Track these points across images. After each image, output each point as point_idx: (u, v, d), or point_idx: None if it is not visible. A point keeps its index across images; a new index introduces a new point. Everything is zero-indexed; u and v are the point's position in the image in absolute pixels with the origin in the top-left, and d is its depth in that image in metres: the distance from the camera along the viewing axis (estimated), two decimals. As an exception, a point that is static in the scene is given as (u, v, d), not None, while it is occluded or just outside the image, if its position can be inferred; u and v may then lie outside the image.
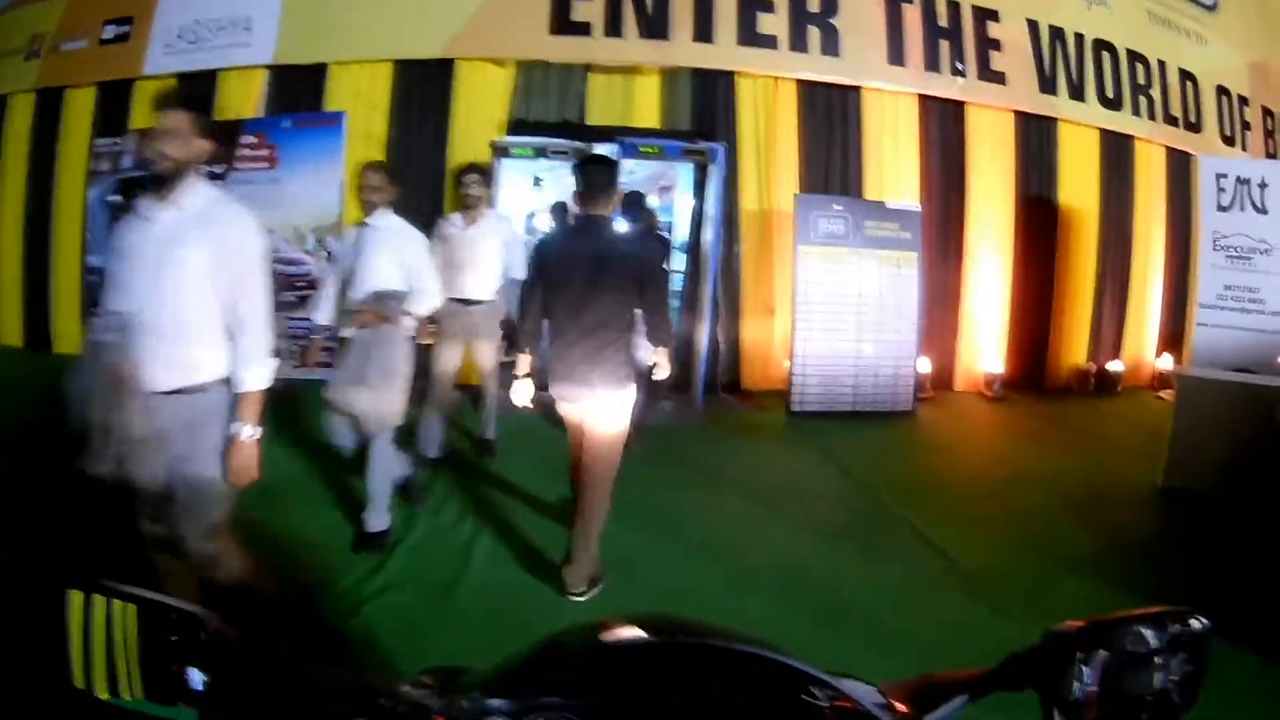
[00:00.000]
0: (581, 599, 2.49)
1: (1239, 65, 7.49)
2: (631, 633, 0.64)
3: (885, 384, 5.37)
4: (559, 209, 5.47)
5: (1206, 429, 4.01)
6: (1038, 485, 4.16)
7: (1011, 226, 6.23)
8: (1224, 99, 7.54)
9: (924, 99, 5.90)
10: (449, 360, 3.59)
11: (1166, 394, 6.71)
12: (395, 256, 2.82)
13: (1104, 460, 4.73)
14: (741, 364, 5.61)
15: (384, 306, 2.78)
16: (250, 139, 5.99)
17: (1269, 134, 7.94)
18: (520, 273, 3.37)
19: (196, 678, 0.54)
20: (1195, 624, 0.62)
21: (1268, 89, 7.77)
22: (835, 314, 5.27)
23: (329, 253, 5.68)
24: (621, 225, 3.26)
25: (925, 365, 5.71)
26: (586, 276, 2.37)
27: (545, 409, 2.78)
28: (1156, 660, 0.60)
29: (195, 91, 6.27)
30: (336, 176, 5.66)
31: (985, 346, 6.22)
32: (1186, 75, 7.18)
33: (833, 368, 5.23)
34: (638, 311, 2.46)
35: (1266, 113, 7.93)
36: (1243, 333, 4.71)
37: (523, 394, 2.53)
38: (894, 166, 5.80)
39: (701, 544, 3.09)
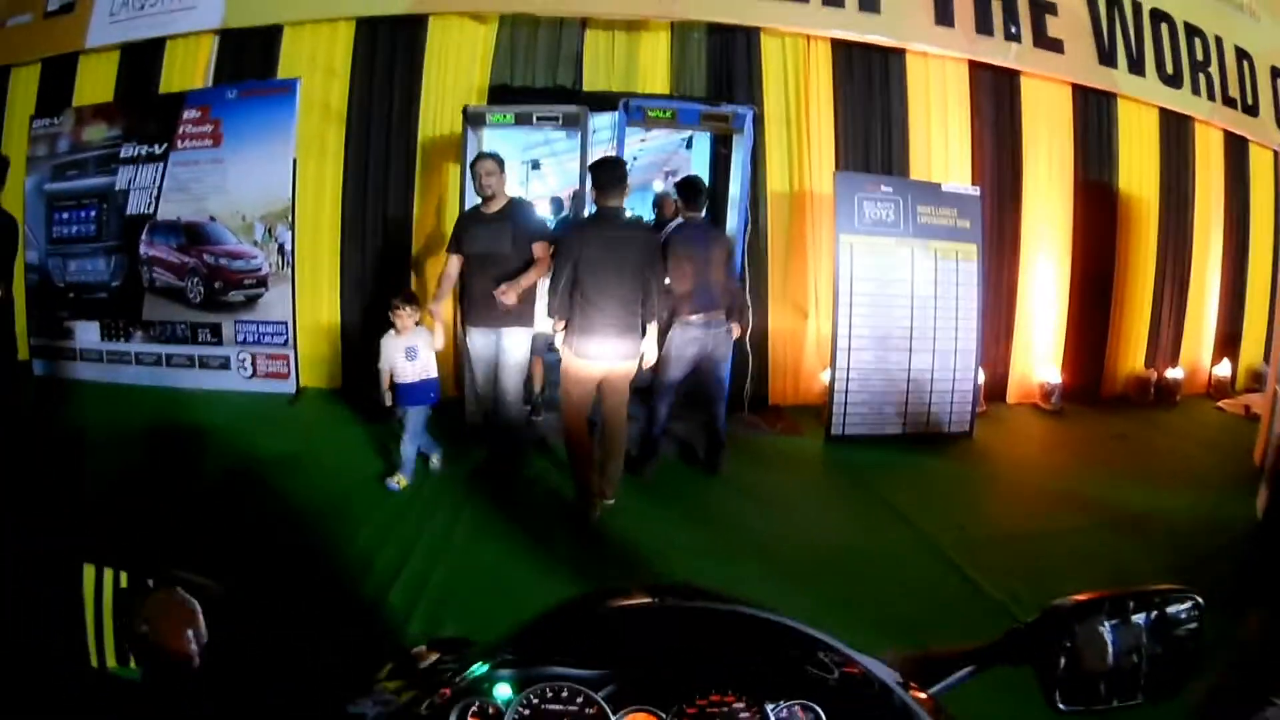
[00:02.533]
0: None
1: (1293, 45, 6.31)
2: (639, 597, 0.58)
3: (941, 401, 4.16)
4: (558, 204, 4.29)
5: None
6: (1130, 528, 3.12)
7: (1070, 215, 5.04)
8: (1278, 81, 6.34)
9: (975, 66, 4.71)
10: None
11: (1226, 404, 5.60)
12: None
13: (1188, 489, 3.64)
14: (770, 375, 4.38)
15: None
16: (192, 114, 4.72)
17: (1322, 121, 6.73)
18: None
19: (195, 647, 0.52)
20: (1190, 601, 0.59)
21: (1320, 72, 6.58)
22: (884, 317, 4.07)
23: (280, 245, 4.47)
24: (688, 212, 3.37)
25: (980, 376, 4.48)
26: (613, 259, 2.79)
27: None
28: (1150, 635, 0.57)
29: (140, 64, 5.09)
30: (288, 153, 4.41)
31: (1042, 352, 5.01)
32: (1242, 53, 6.01)
33: (881, 382, 4.02)
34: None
35: (1319, 99, 6.74)
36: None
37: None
38: (942, 143, 4.61)
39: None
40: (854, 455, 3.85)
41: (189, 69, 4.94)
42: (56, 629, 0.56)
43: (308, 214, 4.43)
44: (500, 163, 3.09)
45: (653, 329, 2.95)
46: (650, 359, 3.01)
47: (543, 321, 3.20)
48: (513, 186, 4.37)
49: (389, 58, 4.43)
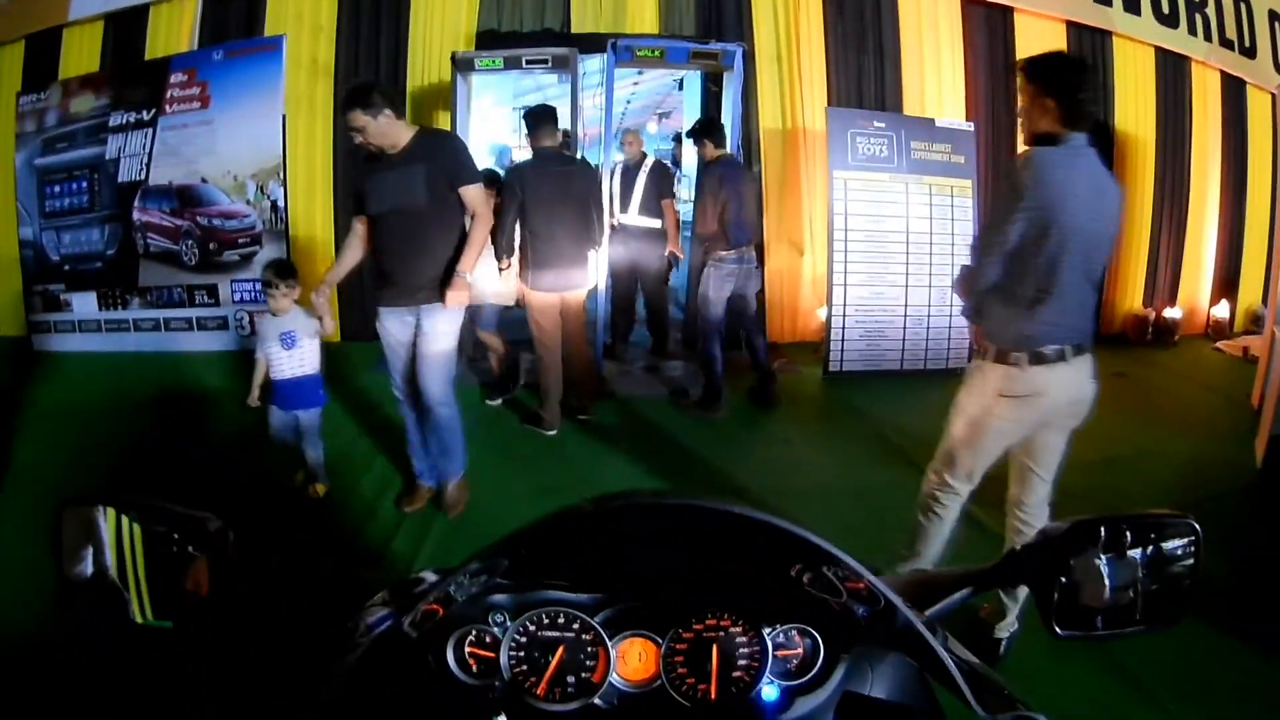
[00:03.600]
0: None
1: (1288, -14, 6.13)
2: (633, 509, 0.52)
3: (938, 337, 4.06)
4: (504, 152, 4.32)
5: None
6: (1126, 470, 3.02)
7: (1066, 153, 4.88)
8: (1276, 25, 6.17)
9: (967, 1, 4.54)
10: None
11: (1225, 345, 5.49)
12: None
13: (1186, 432, 3.54)
14: (767, 312, 4.28)
15: None
16: (179, 77, 4.61)
17: (1318, 64, 6.55)
18: None
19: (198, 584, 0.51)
20: (1187, 527, 0.57)
21: (1316, 14, 6.40)
22: (879, 253, 3.97)
23: (273, 201, 4.37)
24: (716, 150, 3.33)
25: (978, 313, 4.38)
26: (557, 194, 2.92)
27: None
28: (1145, 560, 0.55)
29: (124, 32, 4.98)
30: (276, 111, 4.31)
31: (1039, 292, 4.90)
32: (1239, -6, 5.80)
33: (877, 318, 3.94)
34: None
35: (1316, 41, 6.56)
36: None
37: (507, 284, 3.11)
38: (935, 79, 4.47)
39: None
40: (852, 391, 3.77)
41: (174, 34, 4.83)
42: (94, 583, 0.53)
43: (299, 169, 4.34)
44: (372, 101, 2.08)
45: (597, 255, 3.20)
46: (600, 283, 3.34)
47: (494, 292, 3.10)
48: (507, 136, 4.27)
49: (375, 8, 4.31)
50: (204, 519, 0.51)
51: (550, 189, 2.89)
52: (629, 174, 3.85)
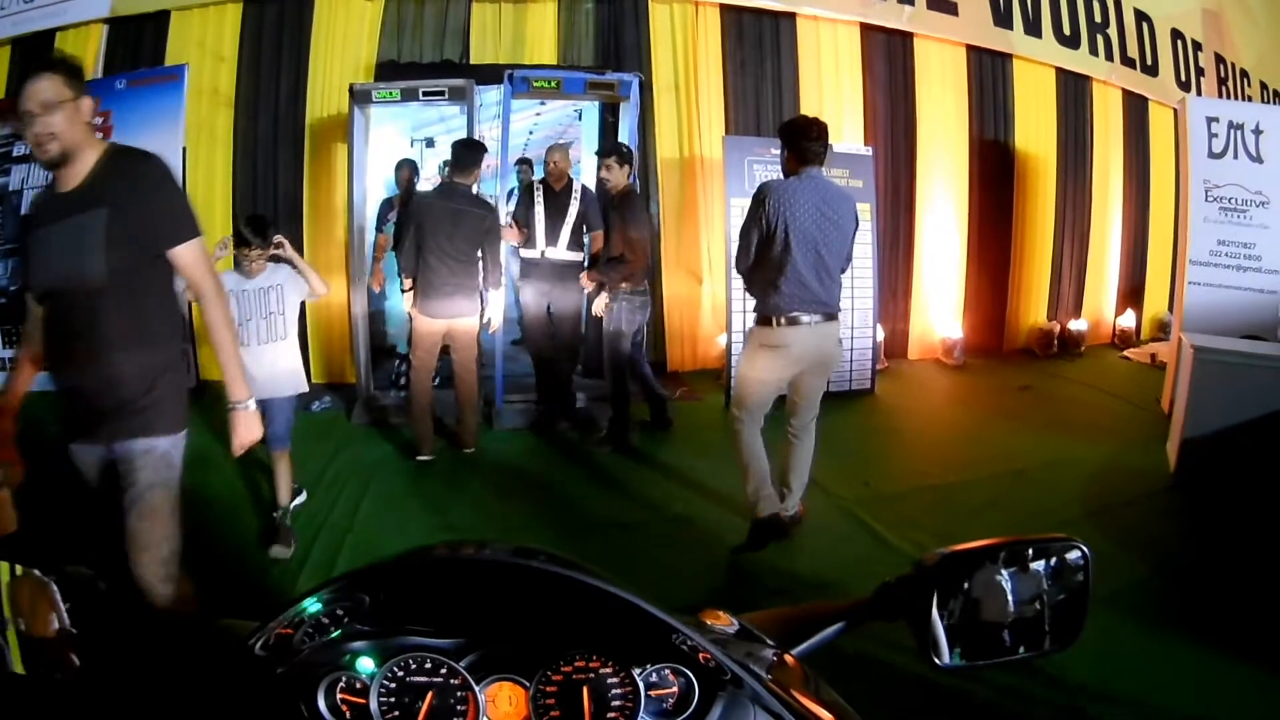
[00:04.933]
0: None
1: (1192, 9, 6.36)
2: (479, 555, 0.54)
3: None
4: (407, 164, 4.10)
5: (1225, 408, 2.89)
6: (1036, 480, 3.06)
7: (966, 173, 5.02)
8: (1179, 43, 6.39)
9: (867, 29, 4.61)
10: None
11: (1132, 353, 5.67)
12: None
13: (1096, 440, 3.58)
14: (666, 342, 4.31)
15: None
16: (82, 105, 4.46)
17: (1221, 81, 6.80)
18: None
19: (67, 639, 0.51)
20: (1072, 553, 0.56)
21: (1220, 36, 6.64)
22: (774, 277, 3.97)
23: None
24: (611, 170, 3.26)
25: (879, 333, 4.46)
26: (445, 228, 2.96)
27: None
28: (1023, 588, 0.54)
29: (31, 59, 4.80)
30: (177, 142, 4.19)
31: (941, 308, 5.00)
32: (1142, 16, 6.02)
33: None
34: None
35: (1219, 59, 6.79)
36: (1238, 292, 3.83)
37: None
38: (835, 106, 4.53)
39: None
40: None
41: (79, 59, 4.68)
42: None
43: (199, 203, 4.21)
44: (66, 68, 1.39)
45: (497, 296, 3.15)
46: (497, 323, 3.21)
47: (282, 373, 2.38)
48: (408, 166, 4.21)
49: (276, 38, 4.22)
50: (76, 568, 0.52)
51: (444, 222, 2.95)
52: (555, 200, 3.39)
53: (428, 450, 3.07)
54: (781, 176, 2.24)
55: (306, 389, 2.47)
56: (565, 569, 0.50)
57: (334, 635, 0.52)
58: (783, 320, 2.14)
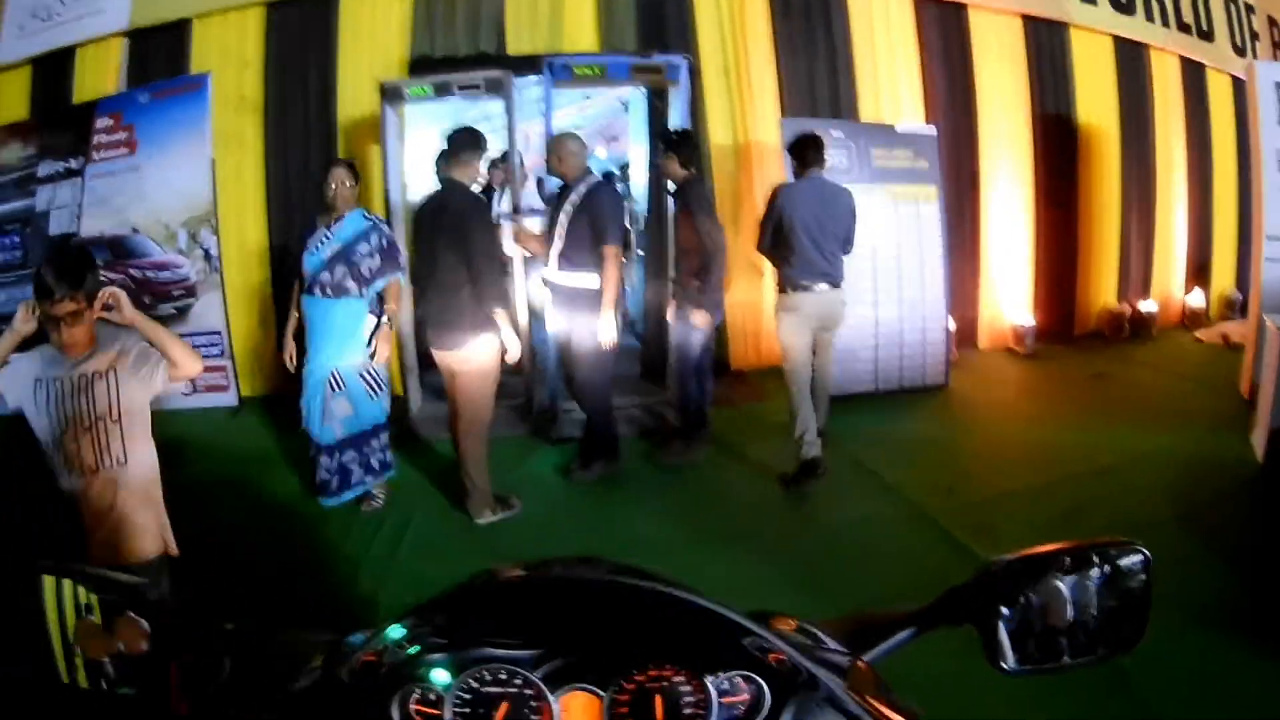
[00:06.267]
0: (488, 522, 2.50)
1: (1242, -31, 5.96)
2: (557, 572, 0.55)
3: (912, 354, 3.82)
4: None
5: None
6: (1120, 480, 2.80)
7: (1029, 150, 4.68)
8: (1231, 6, 6.02)
9: (919, 1, 4.28)
10: None
11: (1203, 334, 5.28)
12: None
13: (1177, 430, 3.28)
14: (728, 338, 3.99)
15: None
16: (105, 121, 4.28)
17: (1276, 45, 6.40)
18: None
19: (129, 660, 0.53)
20: (1134, 557, 0.55)
21: (1272, -3, 6.25)
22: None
23: (205, 250, 4.03)
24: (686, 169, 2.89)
25: (951, 324, 4.13)
26: (426, 235, 2.49)
27: None
28: (1091, 593, 0.54)
29: (52, 76, 4.65)
30: (204, 154, 3.98)
31: (1011, 293, 4.66)
32: (1193, -22, 5.61)
33: (847, 338, 3.64)
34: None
35: (1272, 23, 6.40)
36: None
37: None
38: (891, 82, 4.21)
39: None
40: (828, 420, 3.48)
41: (101, 75, 4.50)
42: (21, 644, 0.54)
43: (231, 214, 4.01)
44: None
45: (502, 317, 2.35)
46: (514, 354, 2.44)
47: None
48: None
49: (302, 39, 4.00)
50: (143, 585, 0.55)
51: (427, 229, 2.46)
52: (558, 203, 2.69)
53: (481, 509, 2.52)
54: (792, 178, 2.92)
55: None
56: (638, 579, 0.50)
57: (411, 652, 0.52)
58: (796, 288, 2.72)
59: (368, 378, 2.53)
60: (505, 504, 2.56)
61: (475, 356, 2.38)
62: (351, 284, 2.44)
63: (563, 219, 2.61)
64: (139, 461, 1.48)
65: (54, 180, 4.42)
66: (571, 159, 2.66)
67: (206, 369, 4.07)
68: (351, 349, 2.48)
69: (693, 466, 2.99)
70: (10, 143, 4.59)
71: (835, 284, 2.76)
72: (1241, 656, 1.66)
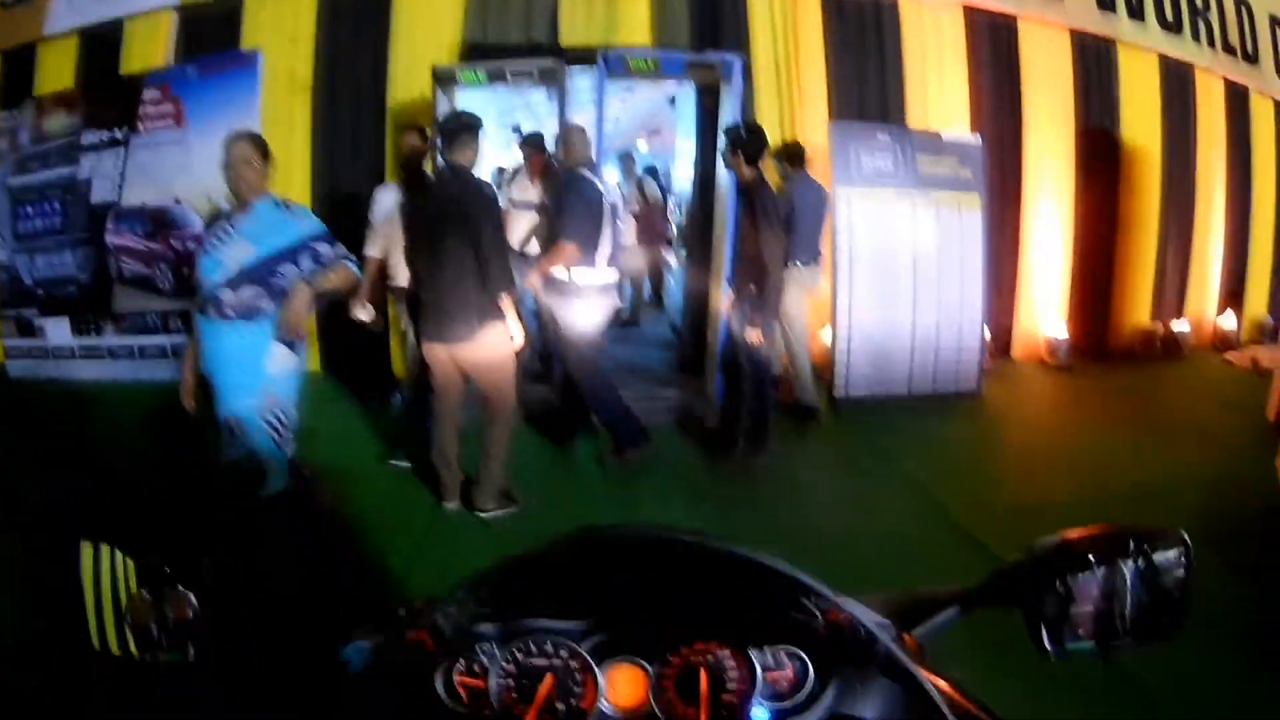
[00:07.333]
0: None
1: (1288, -5, 5.90)
2: (611, 541, 0.54)
3: (947, 360, 3.80)
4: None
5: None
6: (1145, 496, 2.73)
7: (1072, 163, 4.65)
8: (1277, 30, 5.94)
9: (970, 12, 4.28)
10: None
11: (1233, 356, 5.22)
12: None
13: (1208, 454, 3.25)
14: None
15: None
16: (152, 94, 4.30)
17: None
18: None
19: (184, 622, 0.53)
20: (1174, 544, 0.55)
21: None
22: (885, 272, 3.68)
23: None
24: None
25: (986, 333, 4.11)
26: (425, 220, 2.37)
27: None
28: (1136, 573, 0.54)
29: (100, 47, 4.68)
30: (253, 128, 3.97)
31: (1047, 306, 4.64)
32: (1241, 1, 5.57)
33: (885, 341, 3.64)
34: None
35: (1316, 48, 6.33)
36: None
37: None
38: (939, 91, 4.20)
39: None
40: (861, 417, 3.49)
41: (150, 49, 4.53)
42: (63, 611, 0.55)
43: (276, 189, 4.00)
44: None
45: (507, 304, 2.27)
46: (518, 341, 2.35)
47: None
48: (495, 154, 3.96)
49: (355, 20, 4.01)
50: (195, 555, 0.54)
51: (429, 211, 2.35)
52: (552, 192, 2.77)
53: (452, 498, 2.49)
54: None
55: None
56: (693, 537, 0.50)
57: (457, 625, 0.52)
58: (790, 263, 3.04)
59: (273, 422, 1.87)
60: (511, 499, 2.48)
61: (488, 346, 2.30)
62: (265, 303, 1.82)
63: (549, 206, 2.66)
64: None
65: (97, 149, 4.45)
66: (574, 150, 2.71)
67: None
68: (249, 386, 1.83)
69: (747, 473, 2.89)
70: (55, 111, 4.62)
71: (809, 262, 3.35)
72: (1265, 682, 1.63)
